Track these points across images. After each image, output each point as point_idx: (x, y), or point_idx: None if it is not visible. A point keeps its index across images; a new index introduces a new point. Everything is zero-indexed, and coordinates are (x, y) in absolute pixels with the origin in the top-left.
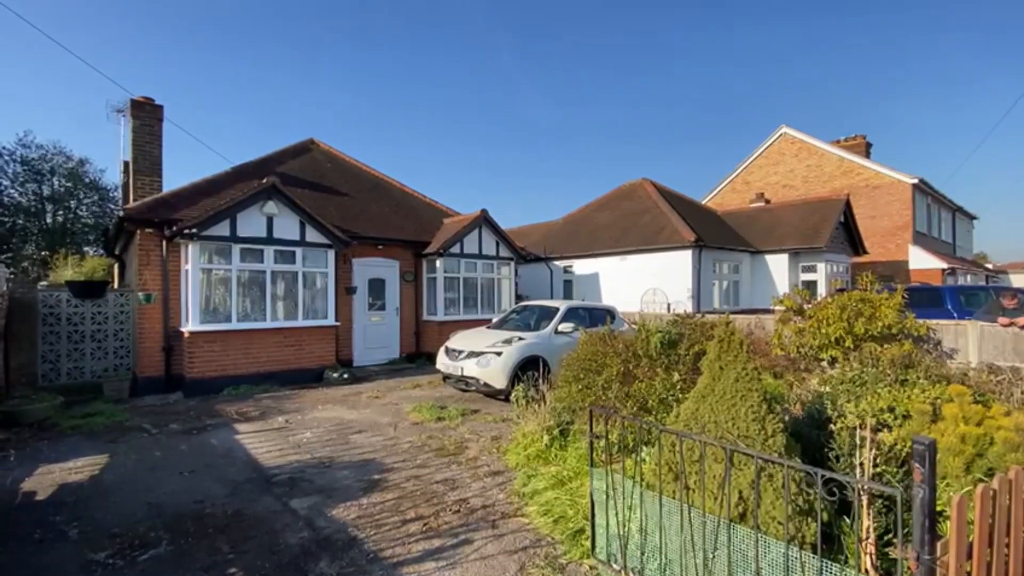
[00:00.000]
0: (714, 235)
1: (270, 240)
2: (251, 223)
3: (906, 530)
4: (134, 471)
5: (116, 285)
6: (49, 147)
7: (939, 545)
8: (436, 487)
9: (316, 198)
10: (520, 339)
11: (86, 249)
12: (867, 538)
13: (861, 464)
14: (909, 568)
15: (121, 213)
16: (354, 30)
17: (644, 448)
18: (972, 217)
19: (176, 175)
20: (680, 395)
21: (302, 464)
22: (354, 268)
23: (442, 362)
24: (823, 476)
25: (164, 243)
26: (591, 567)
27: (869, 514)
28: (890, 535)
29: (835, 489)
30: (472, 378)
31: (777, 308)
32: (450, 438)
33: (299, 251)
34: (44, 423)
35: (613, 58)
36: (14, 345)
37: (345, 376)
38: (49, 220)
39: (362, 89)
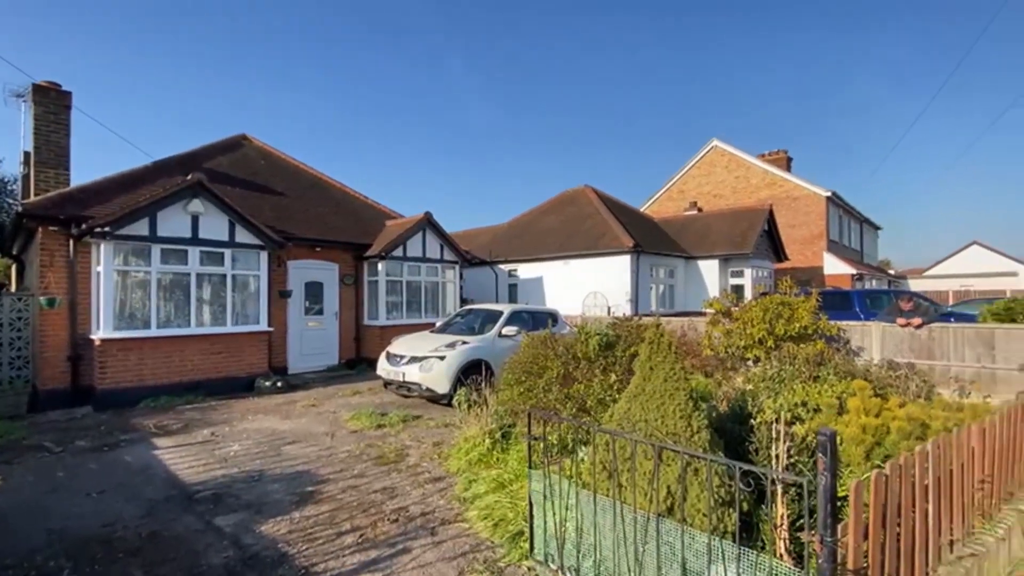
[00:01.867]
0: (651, 241)
1: (195, 240)
2: (174, 222)
3: (814, 516)
4: (32, 495)
5: (14, 288)
6: None
7: (840, 528)
8: (374, 496)
9: (248, 197)
10: (464, 343)
11: None
12: (781, 524)
13: (777, 456)
14: (815, 550)
15: (20, 208)
16: (302, 33)
17: (583, 448)
18: (877, 227)
19: (89, 175)
20: (617, 395)
21: (229, 479)
22: (289, 271)
23: (383, 367)
24: (740, 468)
25: (71, 242)
26: (529, 568)
27: (783, 502)
28: (803, 520)
29: (751, 480)
30: (414, 383)
31: (708, 311)
32: (390, 445)
33: (228, 252)
34: None
35: (559, 67)
36: None
37: (279, 384)
38: None
39: (305, 91)
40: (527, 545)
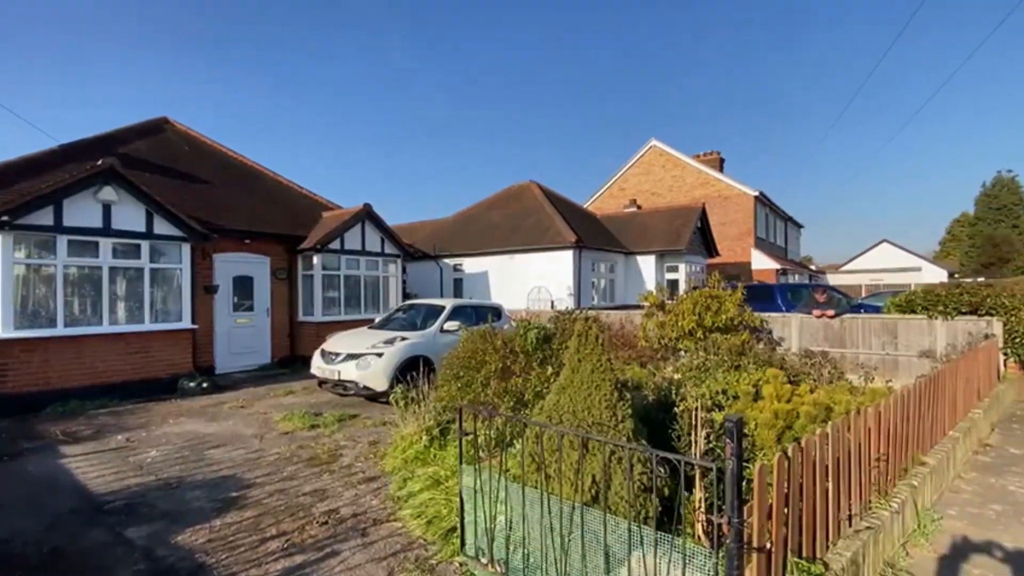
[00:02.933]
0: (593, 237)
1: (108, 231)
2: (83, 211)
3: (725, 499)
4: None
5: None
6: None
7: (746, 509)
8: (303, 499)
9: (169, 185)
10: (403, 339)
11: None
12: (699, 508)
13: (696, 442)
14: (724, 531)
15: None
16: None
17: (519, 441)
18: (800, 225)
19: None
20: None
21: (144, 487)
22: (216, 264)
23: (317, 366)
24: (657, 455)
25: None
26: (461, 564)
27: (702, 486)
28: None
29: (668, 467)
30: (350, 382)
31: (644, 304)
32: (324, 446)
33: (145, 244)
34: None
35: (508, 61)
36: None
37: (204, 385)
38: None
39: (231, 74)
40: (459, 541)
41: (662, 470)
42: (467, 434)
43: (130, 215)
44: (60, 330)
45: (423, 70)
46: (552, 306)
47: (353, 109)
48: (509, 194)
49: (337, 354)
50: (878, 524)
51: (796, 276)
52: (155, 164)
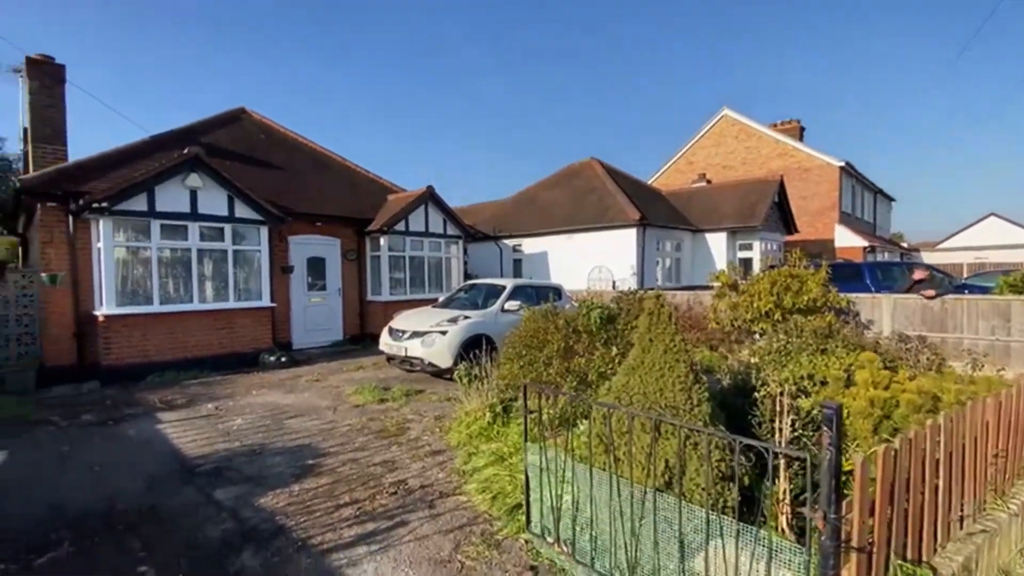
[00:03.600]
0: (658, 214)
1: (194, 216)
2: (172, 197)
3: (817, 491)
4: (36, 468)
5: (21, 265)
6: None
7: (844, 504)
8: (374, 469)
9: (247, 171)
10: (466, 318)
11: None
12: (783, 500)
13: (780, 429)
14: (817, 527)
15: (17, 185)
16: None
17: (583, 422)
18: (891, 199)
19: (88, 151)
20: (618, 368)
21: (231, 452)
22: (291, 246)
23: (385, 342)
24: (741, 443)
25: (71, 218)
26: (526, 541)
27: (786, 477)
28: (806, 495)
29: (751, 455)
30: (416, 358)
31: (714, 284)
32: (392, 419)
33: (228, 228)
34: None
35: (567, 46)
36: None
37: (283, 359)
38: None
39: (305, 65)
40: (524, 518)
41: (742, 458)
42: (531, 412)
43: (214, 200)
44: (156, 307)
45: (485, 56)
46: (614, 286)
47: (415, 97)
48: (570, 172)
49: (403, 332)
50: (994, 527)
51: (886, 254)
52: (234, 152)
